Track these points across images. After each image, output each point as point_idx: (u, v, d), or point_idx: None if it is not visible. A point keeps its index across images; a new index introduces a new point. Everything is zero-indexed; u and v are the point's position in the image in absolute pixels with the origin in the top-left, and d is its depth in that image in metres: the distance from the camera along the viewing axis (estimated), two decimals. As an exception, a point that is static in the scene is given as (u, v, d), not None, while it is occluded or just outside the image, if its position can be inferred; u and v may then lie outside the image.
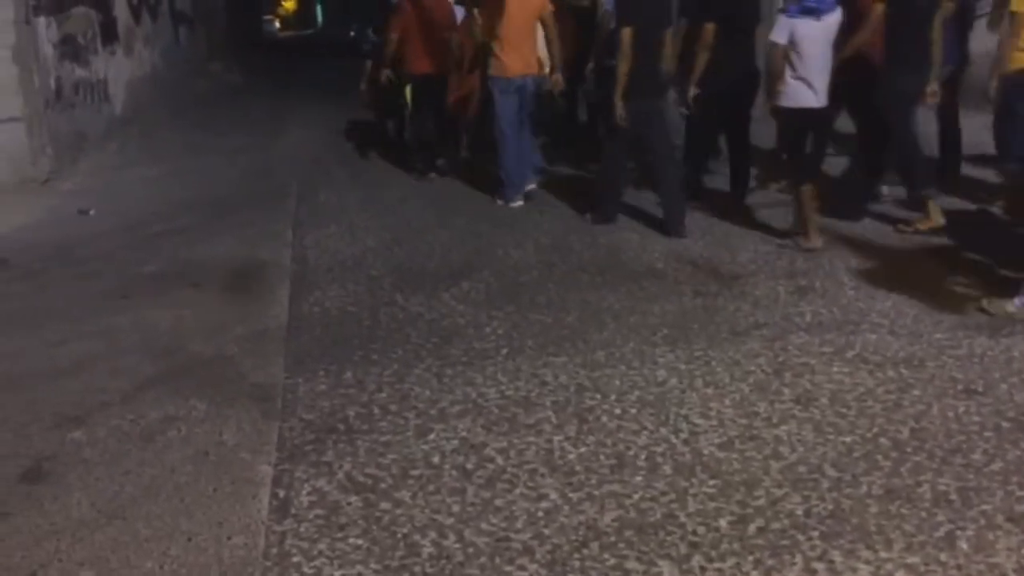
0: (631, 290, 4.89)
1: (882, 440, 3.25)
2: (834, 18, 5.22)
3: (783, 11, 5.35)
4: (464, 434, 3.41)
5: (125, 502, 3.05)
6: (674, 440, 3.31)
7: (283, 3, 43.19)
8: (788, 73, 5.25)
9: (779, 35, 5.23)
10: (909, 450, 3.17)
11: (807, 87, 5.24)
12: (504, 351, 4.17)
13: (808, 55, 5.19)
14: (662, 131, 5.93)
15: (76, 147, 8.97)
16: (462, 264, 5.47)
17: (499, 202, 6.78)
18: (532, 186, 6.86)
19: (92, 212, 7.15)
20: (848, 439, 3.26)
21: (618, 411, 3.54)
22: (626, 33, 5.61)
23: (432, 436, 3.41)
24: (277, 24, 40.15)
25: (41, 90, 8.09)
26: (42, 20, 8.37)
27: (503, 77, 6.48)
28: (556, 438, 3.35)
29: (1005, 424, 3.33)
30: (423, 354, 4.17)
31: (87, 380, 4.02)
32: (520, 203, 6.72)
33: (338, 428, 3.50)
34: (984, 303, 4.34)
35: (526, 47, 6.43)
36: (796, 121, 5.38)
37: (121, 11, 11.54)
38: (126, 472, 3.24)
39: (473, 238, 6.00)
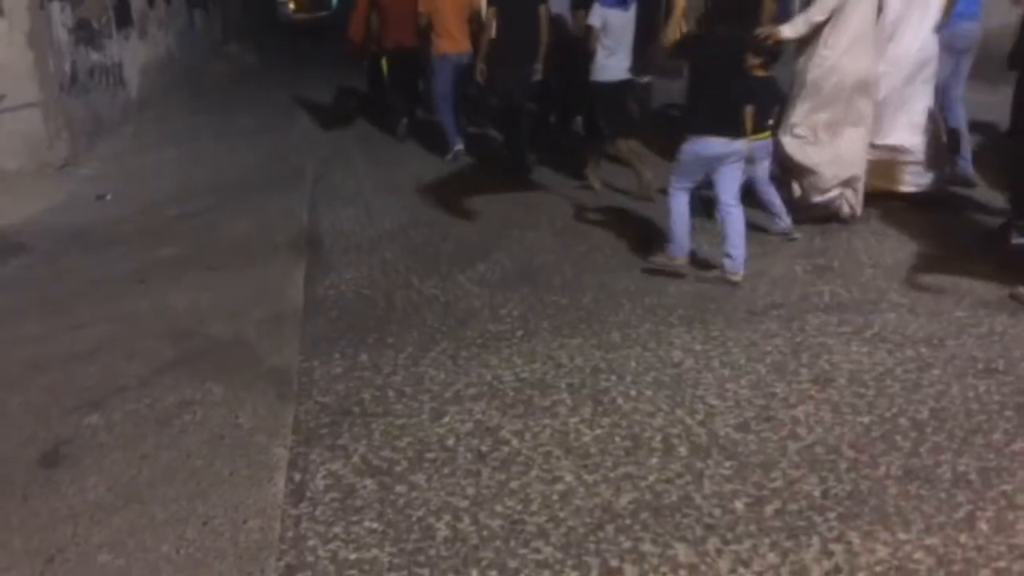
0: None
1: (901, 420, 3.22)
2: (634, 7, 6.15)
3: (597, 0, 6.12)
4: (479, 416, 3.41)
5: (142, 486, 3.07)
6: (690, 422, 3.29)
7: (298, -16, 43.04)
8: (601, 53, 6.09)
9: (594, 20, 6.08)
10: (928, 430, 3.14)
11: (617, 63, 6.13)
12: (519, 333, 4.16)
13: (617, 38, 6.08)
14: (522, 91, 7.14)
15: (92, 132, 9.00)
16: (477, 246, 5.45)
17: (447, 157, 7.70)
18: (459, 147, 7.78)
19: (109, 196, 7.19)
20: (866, 419, 3.23)
21: (633, 393, 3.52)
22: (491, 12, 6.95)
23: (447, 419, 3.40)
24: (292, 5, 40.03)
25: (56, 75, 8.11)
26: (56, 5, 8.37)
27: (437, 54, 7.74)
28: (571, 420, 3.34)
29: (1027, 404, 3.29)
30: (438, 337, 4.17)
31: (105, 364, 4.05)
32: (460, 147, 7.74)
33: (353, 411, 3.51)
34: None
35: (455, 30, 7.62)
36: (609, 91, 6.22)
37: (135, -6, 11.53)
38: (143, 456, 3.26)
39: (489, 220, 5.98)
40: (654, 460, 3.05)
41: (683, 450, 3.10)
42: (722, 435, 3.18)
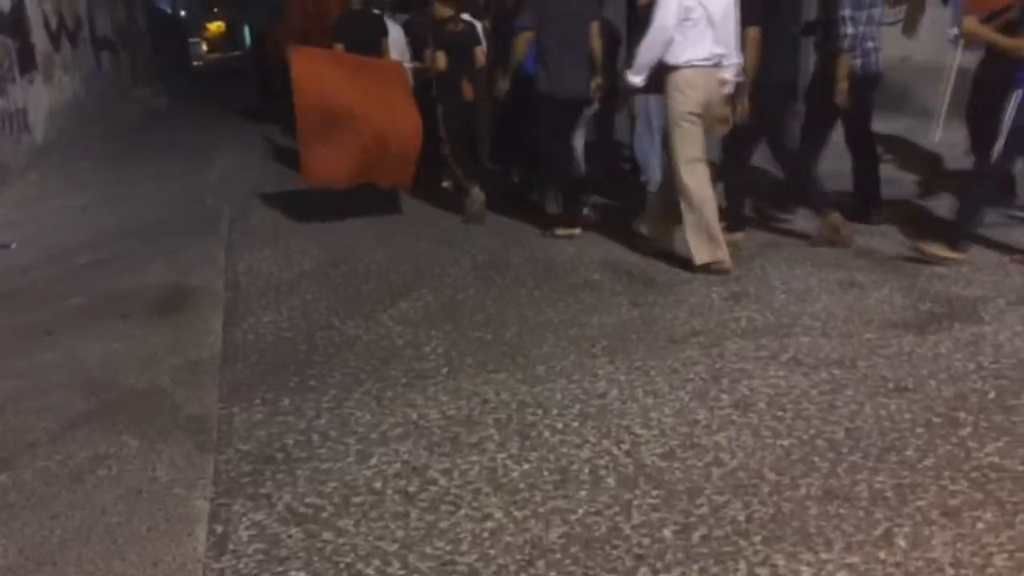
0: (569, 303, 4.90)
1: (818, 442, 3.30)
2: None
3: None
4: (406, 457, 3.37)
5: (54, 547, 2.94)
6: (616, 452, 3.31)
7: (210, 25, 42.58)
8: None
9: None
10: (845, 450, 3.23)
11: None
12: (444, 370, 4.14)
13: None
14: None
15: (-5, 179, 8.70)
16: (399, 284, 5.42)
17: None
18: None
19: (13, 245, 6.93)
20: (786, 442, 3.31)
21: (560, 425, 3.53)
22: (339, 47, 7.66)
23: (374, 460, 3.36)
24: (204, 46, 39.59)
25: (-44, 121, 7.84)
26: (-45, 50, 8.12)
27: None
28: (499, 456, 3.33)
29: (935, 419, 3.41)
30: (362, 377, 4.12)
31: (11, 420, 3.87)
32: None
33: (276, 458, 3.43)
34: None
35: None
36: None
37: (39, 38, 11.26)
38: (54, 515, 3.12)
39: (410, 257, 5.97)
40: (583, 493, 3.06)
41: (611, 481, 3.12)
42: (648, 464, 3.21)
